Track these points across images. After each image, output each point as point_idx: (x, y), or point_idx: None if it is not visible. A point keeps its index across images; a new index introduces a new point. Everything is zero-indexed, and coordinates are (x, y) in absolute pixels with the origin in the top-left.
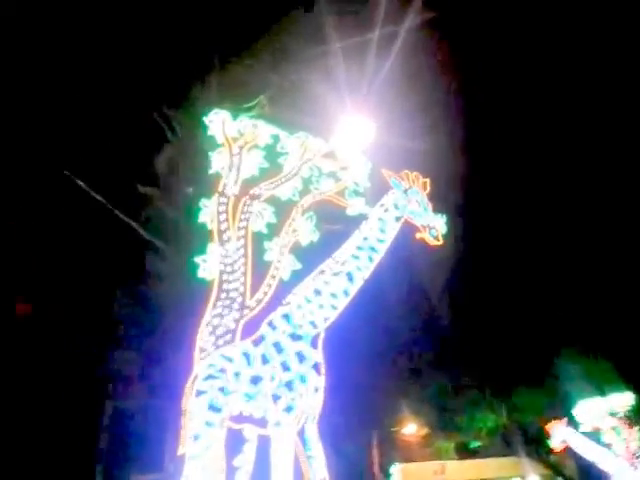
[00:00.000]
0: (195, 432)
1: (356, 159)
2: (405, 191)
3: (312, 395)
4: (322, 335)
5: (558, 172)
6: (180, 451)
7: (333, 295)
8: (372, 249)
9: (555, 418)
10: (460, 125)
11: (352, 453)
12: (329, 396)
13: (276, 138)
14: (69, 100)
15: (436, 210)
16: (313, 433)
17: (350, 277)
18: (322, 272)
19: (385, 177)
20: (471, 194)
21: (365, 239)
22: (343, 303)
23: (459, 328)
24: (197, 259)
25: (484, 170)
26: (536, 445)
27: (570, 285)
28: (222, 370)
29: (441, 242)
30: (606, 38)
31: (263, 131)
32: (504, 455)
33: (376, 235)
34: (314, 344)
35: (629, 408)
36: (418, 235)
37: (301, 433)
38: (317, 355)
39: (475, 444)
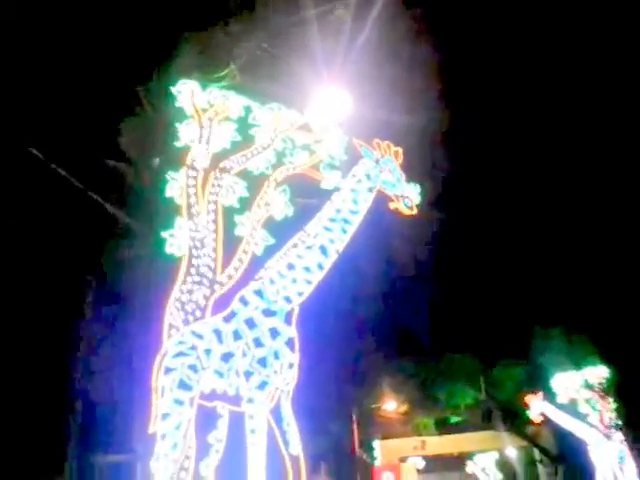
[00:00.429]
0: (165, 410)
1: (331, 132)
2: (377, 161)
3: (286, 371)
4: (296, 310)
5: (539, 143)
6: (150, 430)
7: (307, 269)
8: (345, 221)
9: (532, 391)
10: (439, 98)
11: (333, 430)
12: (305, 373)
13: (248, 109)
14: (30, 70)
15: (409, 180)
16: (287, 410)
17: (324, 250)
18: (294, 246)
19: (356, 147)
20: (449, 169)
21: (338, 211)
22: (317, 277)
23: (438, 304)
24: (165, 234)
25: (463, 144)
26: (514, 418)
27: (546, 261)
28: (192, 347)
29: (415, 212)
30: (593, 27)
31: (234, 102)
32: (483, 429)
33: (349, 206)
34: (288, 320)
35: (603, 381)
36: (392, 205)
37: (275, 410)
38: (291, 331)
39: (454, 419)
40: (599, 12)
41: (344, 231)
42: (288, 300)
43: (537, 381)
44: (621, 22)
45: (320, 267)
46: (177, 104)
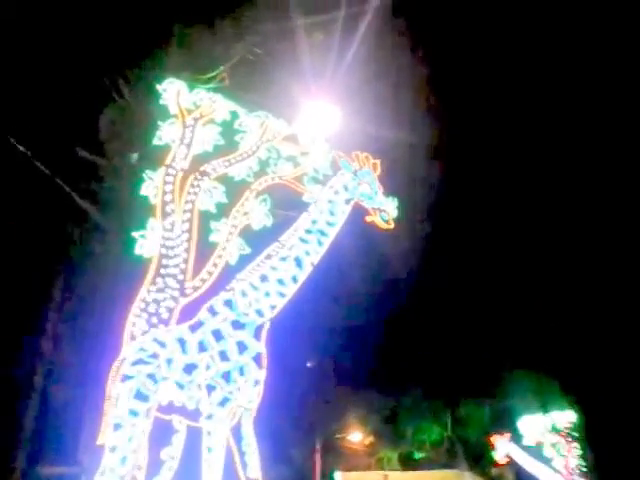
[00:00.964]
0: (117, 421)
1: (318, 145)
2: (355, 172)
3: (251, 388)
4: (267, 326)
5: (524, 173)
6: (99, 441)
7: (280, 282)
8: (321, 233)
9: (499, 432)
10: (428, 115)
11: (294, 458)
12: (271, 394)
13: (235, 115)
14: (9, 58)
15: (388, 193)
16: (249, 429)
17: (298, 262)
18: (268, 257)
19: (335, 158)
20: (435, 190)
21: (314, 222)
22: (291, 290)
23: (407, 340)
24: (135, 234)
25: (450, 164)
26: (478, 458)
27: (516, 302)
28: (153, 355)
29: (392, 226)
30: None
31: (221, 106)
32: (446, 467)
33: (326, 218)
34: (257, 335)
35: (570, 425)
36: (368, 218)
37: (236, 429)
38: (260, 346)
39: (419, 455)
40: (586, 15)
41: (320, 243)
42: (260, 314)
43: (504, 422)
44: (609, 23)
45: (294, 280)
46: (161, 102)
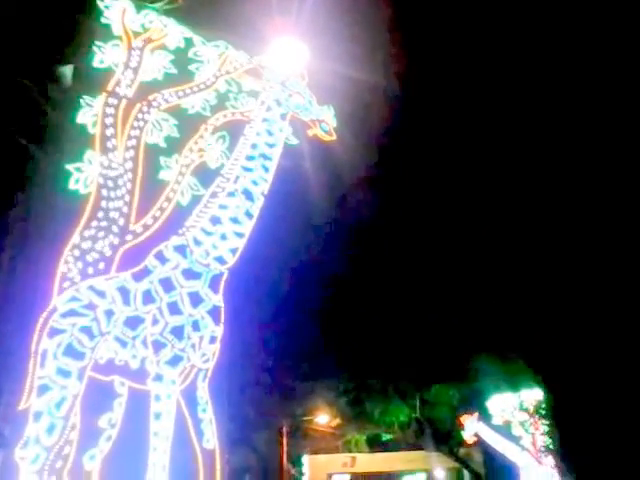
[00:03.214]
0: (44, 382)
1: (289, 83)
2: (283, 83)
3: (206, 346)
4: (225, 275)
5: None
6: (21, 406)
7: (234, 220)
8: (264, 156)
9: (467, 412)
10: (396, 54)
11: (260, 441)
12: (226, 358)
13: (189, 42)
14: None
15: (320, 102)
16: (204, 393)
17: (248, 195)
18: (214, 195)
19: (258, 70)
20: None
21: (254, 146)
22: (248, 227)
23: (375, 318)
24: (70, 167)
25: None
26: (446, 438)
27: (485, 281)
28: (89, 306)
29: (334, 137)
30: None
31: (174, 31)
32: (414, 449)
33: (265, 139)
34: (214, 285)
35: (538, 404)
36: (310, 132)
37: (189, 392)
38: (217, 298)
39: (387, 437)
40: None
41: (265, 168)
42: (222, 261)
43: (473, 402)
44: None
45: (249, 215)
46: (103, 20)
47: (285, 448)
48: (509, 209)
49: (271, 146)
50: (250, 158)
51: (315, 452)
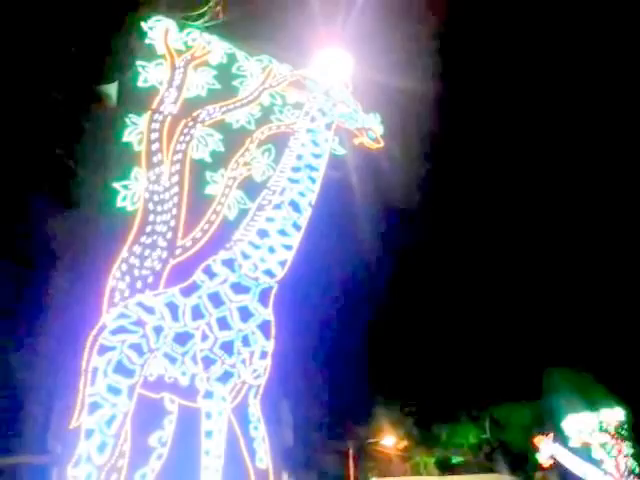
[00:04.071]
0: (94, 399)
1: (332, 92)
2: (327, 92)
3: (257, 361)
4: (275, 289)
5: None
6: (73, 424)
7: (282, 232)
8: (310, 167)
9: (542, 433)
10: (439, 63)
11: (327, 464)
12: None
13: (232, 57)
14: None
15: (366, 110)
16: (256, 410)
17: (295, 206)
18: (260, 208)
19: (300, 80)
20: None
21: (299, 157)
22: (296, 240)
23: (444, 340)
24: (117, 185)
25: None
26: (520, 461)
27: (559, 299)
28: (138, 322)
29: (382, 144)
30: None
31: (217, 47)
32: (486, 471)
33: (310, 150)
34: (263, 299)
35: (619, 424)
36: (356, 141)
37: (240, 409)
38: (267, 312)
39: (456, 460)
40: None
41: (312, 179)
42: (270, 274)
43: (547, 422)
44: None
45: (296, 227)
46: (147, 41)
47: (352, 471)
48: (581, 224)
49: (317, 157)
50: (296, 170)
51: (383, 475)
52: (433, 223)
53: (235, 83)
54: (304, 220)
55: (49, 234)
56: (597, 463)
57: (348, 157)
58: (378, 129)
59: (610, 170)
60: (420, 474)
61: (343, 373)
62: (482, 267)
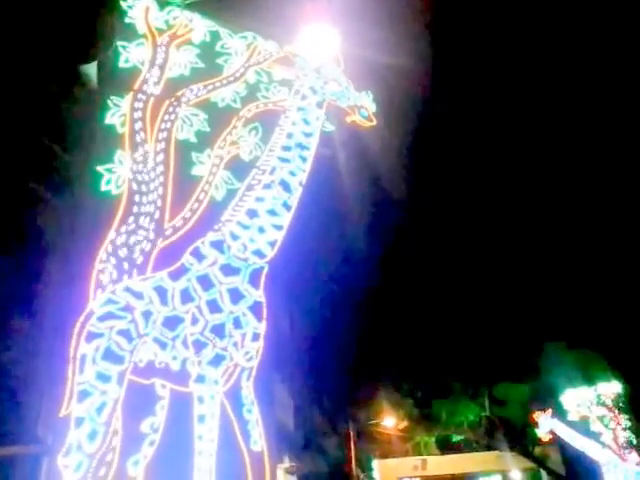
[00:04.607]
0: (84, 387)
1: (323, 70)
2: (318, 70)
3: (249, 344)
4: (266, 270)
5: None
6: (62, 413)
7: (272, 212)
8: (301, 146)
9: (540, 409)
10: (428, 39)
11: (328, 447)
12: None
13: (215, 35)
14: None
15: (358, 88)
16: (249, 393)
17: (285, 186)
18: (250, 187)
19: (289, 57)
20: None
21: (290, 136)
22: (286, 219)
23: (441, 319)
24: (100, 168)
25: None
26: (520, 437)
27: (555, 275)
28: (126, 308)
29: (374, 122)
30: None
31: (199, 26)
32: (487, 449)
33: (301, 128)
34: (254, 280)
35: (617, 397)
36: (348, 119)
37: (233, 392)
38: (258, 294)
39: (457, 438)
40: None
41: (303, 159)
42: (260, 255)
43: (546, 398)
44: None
45: (286, 206)
46: (127, 20)
47: (353, 452)
48: (584, 200)
49: (308, 135)
50: (286, 148)
51: (384, 456)
52: (427, 203)
53: (219, 61)
54: (294, 200)
55: (34, 220)
56: (595, 436)
57: (338, 135)
58: (370, 107)
59: (603, 158)
60: (421, 454)
61: (341, 355)
62: (477, 245)
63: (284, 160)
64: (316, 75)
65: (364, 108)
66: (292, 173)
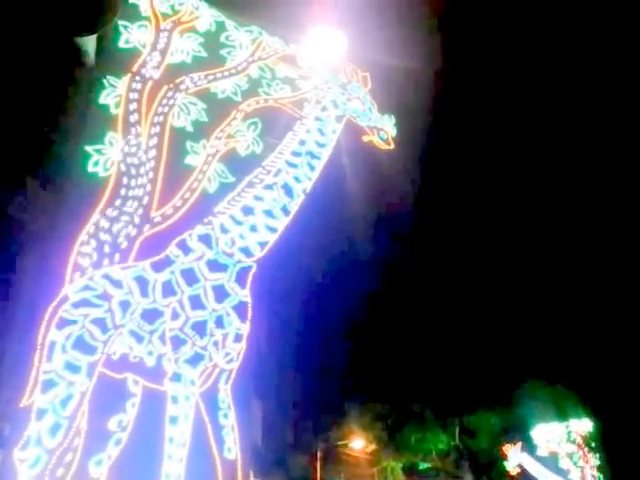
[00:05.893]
0: (50, 377)
1: (349, 87)
2: (344, 86)
3: (231, 345)
4: (254, 269)
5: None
6: (23, 402)
7: (269, 213)
8: (311, 154)
9: (510, 441)
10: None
11: (294, 466)
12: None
13: (221, 26)
14: None
15: (382, 111)
16: (227, 397)
17: (288, 190)
18: (251, 185)
19: (293, 57)
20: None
21: (302, 143)
22: (282, 224)
23: (418, 346)
24: (89, 149)
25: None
26: (488, 469)
27: (532, 312)
28: (104, 296)
29: (392, 146)
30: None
31: (205, 14)
32: (453, 478)
33: (315, 138)
34: (241, 279)
35: (588, 435)
36: (365, 138)
37: (210, 395)
38: (243, 293)
39: (424, 466)
40: None
41: (311, 167)
42: (248, 253)
43: (516, 431)
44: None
45: (285, 211)
46: (131, 1)
47: (319, 473)
48: (561, 234)
49: (321, 145)
50: (296, 154)
51: (349, 478)
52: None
53: (223, 52)
54: (295, 206)
55: (13, 200)
56: (563, 473)
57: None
58: (391, 130)
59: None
60: (387, 479)
61: (316, 374)
62: (455, 276)
63: (292, 165)
64: (341, 90)
65: (384, 131)
66: (297, 179)
